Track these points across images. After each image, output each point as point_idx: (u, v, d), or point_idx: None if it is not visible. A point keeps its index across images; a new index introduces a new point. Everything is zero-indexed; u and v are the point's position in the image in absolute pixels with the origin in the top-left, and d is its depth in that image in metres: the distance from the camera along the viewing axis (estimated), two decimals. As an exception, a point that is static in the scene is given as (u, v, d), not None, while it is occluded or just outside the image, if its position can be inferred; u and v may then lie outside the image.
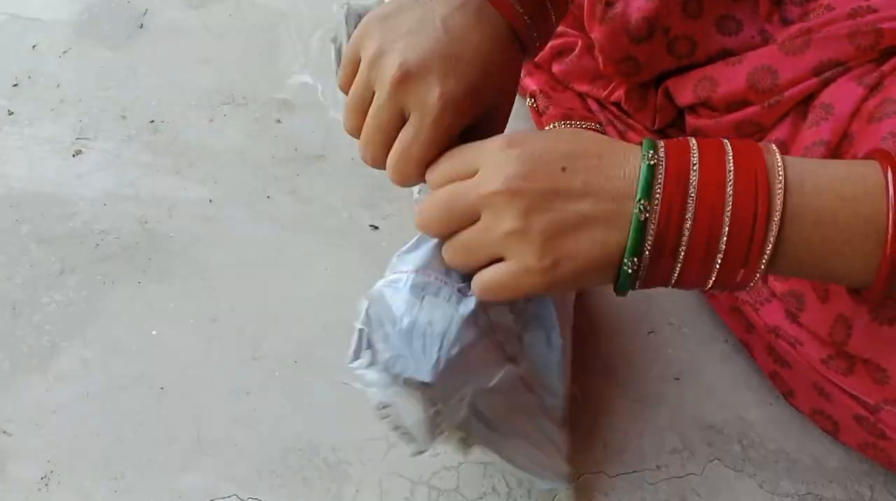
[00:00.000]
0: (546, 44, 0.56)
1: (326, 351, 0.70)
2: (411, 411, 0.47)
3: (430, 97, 0.47)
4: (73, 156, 0.85)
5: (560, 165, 0.42)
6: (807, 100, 0.67)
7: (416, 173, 0.49)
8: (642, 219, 0.41)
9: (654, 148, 0.42)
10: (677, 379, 0.69)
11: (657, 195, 0.41)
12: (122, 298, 0.74)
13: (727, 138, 0.43)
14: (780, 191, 0.40)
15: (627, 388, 0.68)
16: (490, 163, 0.43)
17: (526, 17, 0.50)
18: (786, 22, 0.71)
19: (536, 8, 0.51)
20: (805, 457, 0.64)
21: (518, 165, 0.42)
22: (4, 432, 0.65)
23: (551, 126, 0.80)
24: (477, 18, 0.49)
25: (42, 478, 0.63)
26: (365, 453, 0.64)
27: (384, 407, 0.47)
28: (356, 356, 0.47)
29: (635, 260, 0.41)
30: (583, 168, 0.42)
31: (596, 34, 0.75)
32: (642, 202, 0.40)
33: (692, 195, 0.40)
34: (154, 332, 0.71)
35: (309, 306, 0.73)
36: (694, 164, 0.41)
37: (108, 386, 0.68)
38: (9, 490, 0.62)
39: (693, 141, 0.43)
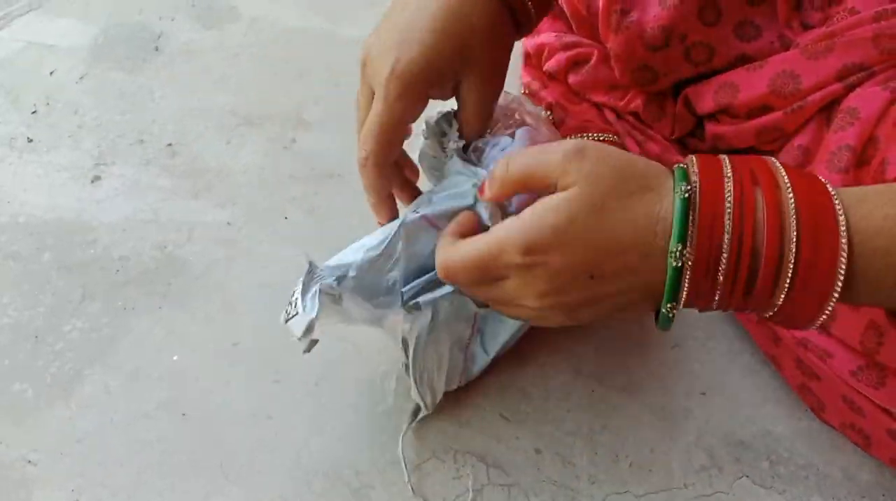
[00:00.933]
0: (541, 20, 0.59)
1: (348, 373, 0.70)
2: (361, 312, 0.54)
3: (384, 72, 0.51)
4: (92, 181, 0.86)
5: (587, 274, 0.42)
6: (830, 106, 0.65)
7: (376, 150, 0.53)
8: (676, 265, 0.41)
9: (687, 196, 0.41)
10: (703, 393, 0.68)
11: (691, 242, 0.41)
12: (143, 324, 0.74)
13: (780, 168, 0.43)
14: (843, 233, 0.40)
15: (652, 404, 0.67)
16: (516, 282, 0.45)
17: None
18: (806, 27, 0.69)
19: None
20: (836, 472, 0.63)
21: (546, 284, 0.43)
22: (29, 462, 0.65)
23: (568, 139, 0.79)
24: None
25: (68, 508, 0.63)
26: (388, 476, 0.64)
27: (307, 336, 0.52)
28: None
29: (671, 304, 0.44)
30: (611, 273, 0.42)
31: (611, 44, 0.74)
32: (678, 249, 0.41)
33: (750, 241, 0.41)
34: (175, 358, 0.71)
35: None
36: (730, 210, 0.41)
37: (131, 414, 0.68)
38: (35, 519, 0.63)
39: (730, 174, 0.42)
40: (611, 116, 0.81)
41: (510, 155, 0.47)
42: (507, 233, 0.44)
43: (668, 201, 0.42)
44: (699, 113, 0.75)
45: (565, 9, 0.83)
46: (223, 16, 1.05)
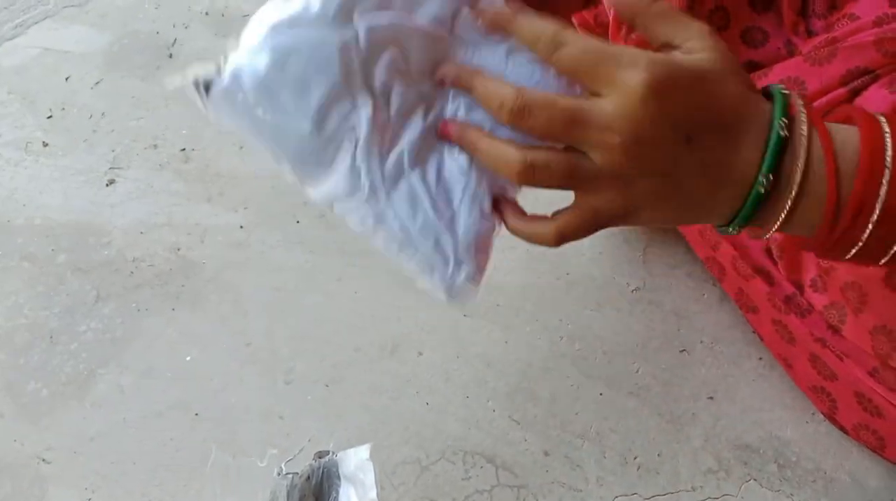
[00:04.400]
0: None
1: (358, 374, 0.71)
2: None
3: None
4: (107, 185, 0.87)
5: (686, 135, 0.38)
6: (835, 111, 0.66)
7: None
8: (761, 191, 0.39)
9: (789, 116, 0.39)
10: (711, 397, 0.68)
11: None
12: (156, 325, 0.75)
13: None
14: None
15: (660, 408, 0.68)
16: (616, 104, 0.38)
17: None
18: (811, 34, 0.70)
19: None
20: (844, 476, 0.63)
21: (647, 124, 0.37)
22: (44, 460, 0.66)
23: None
24: None
25: (81, 505, 0.64)
26: (397, 477, 0.64)
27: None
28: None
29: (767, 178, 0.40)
30: (710, 142, 0.39)
31: None
32: (764, 176, 0.39)
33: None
34: (188, 358, 0.72)
35: (340, 329, 0.74)
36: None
37: (145, 413, 0.69)
38: (49, 517, 0.64)
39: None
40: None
41: None
42: (636, 52, 0.38)
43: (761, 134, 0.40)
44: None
45: (573, 19, 0.84)
46: (236, 24, 1.06)
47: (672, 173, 0.39)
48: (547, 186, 0.41)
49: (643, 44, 0.46)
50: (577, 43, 0.39)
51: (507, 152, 0.41)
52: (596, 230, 0.42)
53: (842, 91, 0.64)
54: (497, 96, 0.40)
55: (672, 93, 0.38)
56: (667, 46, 0.41)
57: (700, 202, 0.41)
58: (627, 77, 0.37)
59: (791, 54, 0.70)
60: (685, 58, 0.39)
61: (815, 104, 0.65)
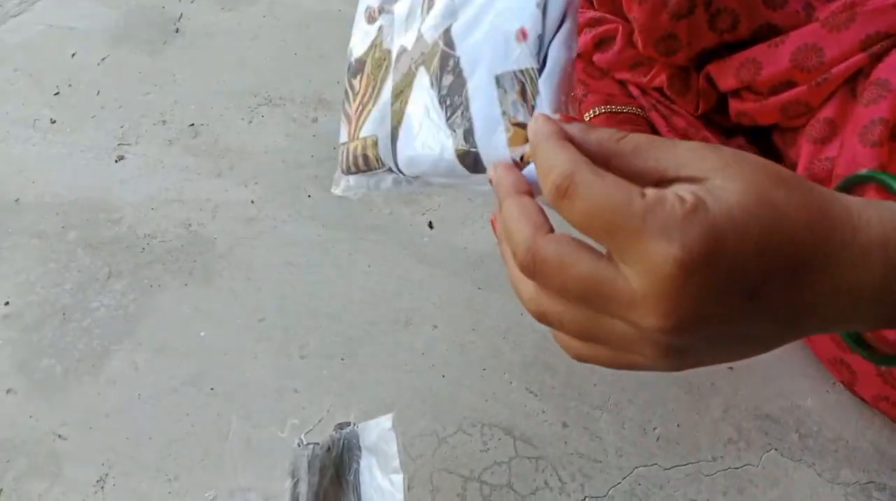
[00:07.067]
0: None
1: (372, 348, 0.70)
2: None
3: None
4: (116, 161, 0.86)
5: (742, 296, 0.30)
6: (855, 77, 0.65)
7: None
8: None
9: None
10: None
11: None
12: (169, 301, 0.74)
13: None
14: None
15: (679, 378, 0.67)
16: (650, 288, 0.29)
17: None
18: (827, -1, 0.69)
19: None
20: (865, 445, 0.63)
21: (690, 310, 0.29)
22: (60, 436, 0.66)
23: (591, 112, 0.79)
24: None
25: (98, 481, 0.64)
26: (415, 449, 0.64)
27: None
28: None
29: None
30: (778, 296, 0.30)
31: (635, 13, 0.73)
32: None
33: None
34: (202, 334, 0.72)
35: (353, 303, 0.73)
36: None
37: (159, 389, 0.68)
38: (66, 492, 0.63)
39: None
40: (635, 91, 0.80)
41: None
42: (664, 214, 0.29)
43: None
44: (721, 90, 0.74)
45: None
46: (242, -2, 1.05)
47: (734, 331, 0.31)
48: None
49: None
50: (589, 196, 0.30)
51: (522, 291, 0.35)
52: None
53: (862, 56, 0.63)
54: (511, 241, 0.33)
55: (717, 262, 0.28)
56: (666, 181, 0.32)
57: (777, 339, 0.33)
58: (656, 252, 0.28)
59: (808, 17, 0.69)
60: (717, 207, 0.29)
61: (834, 70, 0.64)
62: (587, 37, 0.81)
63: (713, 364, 0.33)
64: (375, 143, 0.48)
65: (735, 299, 0.29)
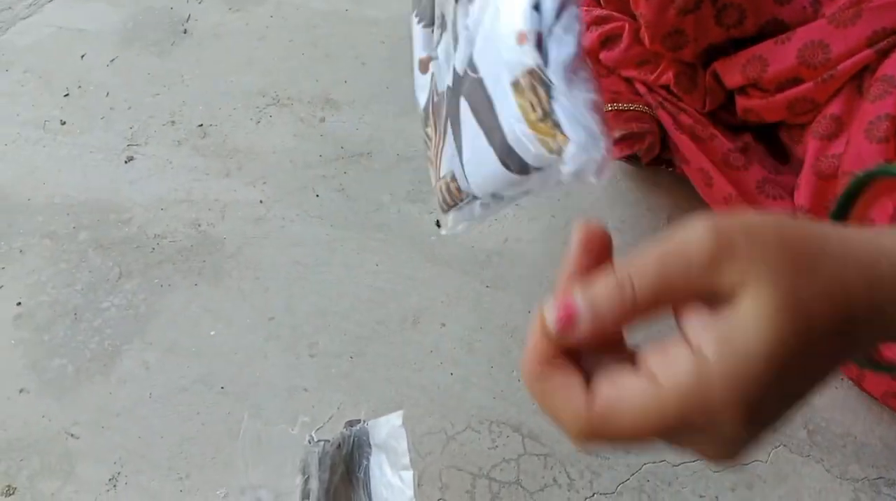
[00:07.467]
0: None
1: (381, 346, 0.71)
2: None
3: None
4: (126, 162, 0.87)
5: (792, 402, 0.28)
6: (861, 73, 0.65)
7: None
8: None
9: None
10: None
11: None
12: (179, 300, 0.75)
13: None
14: None
15: (687, 375, 0.67)
16: (712, 450, 0.28)
17: None
18: (834, -5, 0.69)
19: None
20: (874, 441, 0.63)
21: (746, 437, 0.27)
22: (72, 435, 0.67)
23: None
24: None
25: (110, 479, 0.64)
26: (424, 446, 0.64)
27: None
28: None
29: None
30: (823, 378, 0.28)
31: (642, 9, 0.73)
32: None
33: None
34: (212, 333, 0.72)
35: (362, 302, 0.74)
36: None
37: (170, 388, 0.69)
38: (78, 490, 0.64)
39: None
40: (642, 89, 0.80)
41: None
42: (714, 407, 0.26)
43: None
44: (728, 87, 0.74)
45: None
46: (249, -2, 1.06)
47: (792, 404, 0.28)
48: None
49: None
50: (620, 423, 0.27)
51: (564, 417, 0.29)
52: None
53: (868, 52, 0.63)
54: (557, 422, 0.29)
55: (766, 405, 0.26)
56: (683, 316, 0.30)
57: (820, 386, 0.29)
58: (717, 413, 0.26)
59: (815, 13, 0.69)
60: (749, 356, 0.25)
61: (840, 67, 0.64)
62: (593, 35, 0.81)
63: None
64: (454, 177, 0.52)
65: (784, 407, 0.27)
